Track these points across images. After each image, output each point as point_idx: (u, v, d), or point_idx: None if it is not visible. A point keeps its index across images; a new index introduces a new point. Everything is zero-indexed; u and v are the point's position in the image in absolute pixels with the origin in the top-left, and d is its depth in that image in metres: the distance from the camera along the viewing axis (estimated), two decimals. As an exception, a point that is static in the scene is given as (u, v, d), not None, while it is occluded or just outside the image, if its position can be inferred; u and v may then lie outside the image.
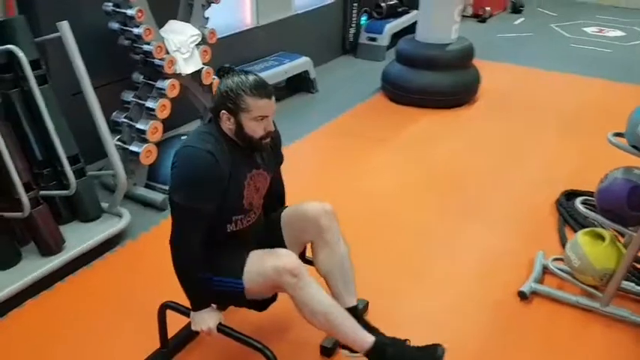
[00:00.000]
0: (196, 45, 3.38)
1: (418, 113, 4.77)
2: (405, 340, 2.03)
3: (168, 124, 3.89)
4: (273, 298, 2.15)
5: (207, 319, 2.01)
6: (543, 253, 2.86)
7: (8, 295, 2.49)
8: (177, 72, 3.27)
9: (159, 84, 3.23)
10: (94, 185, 3.03)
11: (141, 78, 3.30)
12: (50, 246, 2.72)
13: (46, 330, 2.43)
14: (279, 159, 2.22)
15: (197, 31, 3.38)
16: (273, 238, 2.16)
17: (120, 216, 3.02)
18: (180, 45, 3.26)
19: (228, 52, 4.57)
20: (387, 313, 2.48)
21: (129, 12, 3.05)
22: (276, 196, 2.30)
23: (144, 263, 2.85)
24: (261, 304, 2.13)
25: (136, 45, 3.18)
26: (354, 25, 6.20)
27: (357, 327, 2.00)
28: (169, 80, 3.23)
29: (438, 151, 4.12)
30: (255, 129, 1.91)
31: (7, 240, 2.67)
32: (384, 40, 6.13)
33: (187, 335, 2.29)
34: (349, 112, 4.80)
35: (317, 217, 2.12)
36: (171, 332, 2.23)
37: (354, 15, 6.15)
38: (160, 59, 3.16)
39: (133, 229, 3.06)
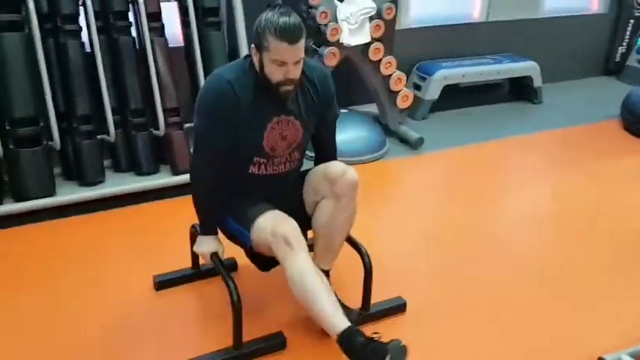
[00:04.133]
0: (369, 18, 3.39)
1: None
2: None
3: (351, 100, 4.03)
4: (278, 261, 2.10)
5: (205, 245, 2.10)
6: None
7: (130, 190, 2.99)
8: (341, 42, 3.34)
9: (320, 50, 3.36)
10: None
11: (311, 44, 3.47)
12: (177, 166, 3.11)
13: (143, 228, 2.83)
14: (327, 115, 2.10)
15: (372, 5, 3.38)
16: (294, 195, 2.11)
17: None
18: (350, 15, 3.31)
19: (443, 42, 4.46)
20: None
21: (303, -23, 3.25)
22: (325, 158, 2.21)
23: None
24: (265, 263, 2.11)
25: (309, 10, 3.36)
26: (625, 44, 5.33)
27: (334, 312, 1.86)
28: (330, 48, 3.34)
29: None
30: (273, 72, 1.85)
31: (150, 154, 3.15)
32: (662, 65, 5.14)
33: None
34: (558, 130, 4.20)
35: (334, 180, 2.00)
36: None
37: (627, 32, 5.28)
38: (323, 25, 3.27)
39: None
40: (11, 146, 2.76)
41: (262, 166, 2.04)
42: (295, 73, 1.87)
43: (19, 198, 2.79)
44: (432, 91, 4.19)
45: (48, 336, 2.11)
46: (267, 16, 1.81)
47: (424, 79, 4.22)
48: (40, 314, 2.22)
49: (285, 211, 2.04)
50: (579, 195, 3.30)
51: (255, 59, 1.90)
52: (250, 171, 2.05)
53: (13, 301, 2.29)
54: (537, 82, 4.60)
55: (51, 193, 2.87)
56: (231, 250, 2.21)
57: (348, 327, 1.82)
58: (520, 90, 4.72)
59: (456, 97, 4.43)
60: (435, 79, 4.18)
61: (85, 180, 2.98)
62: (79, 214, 2.88)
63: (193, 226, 2.30)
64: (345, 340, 1.80)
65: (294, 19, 1.80)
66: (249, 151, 2.01)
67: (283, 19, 1.79)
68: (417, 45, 4.36)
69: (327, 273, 2.04)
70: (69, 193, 2.91)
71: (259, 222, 1.95)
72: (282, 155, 2.05)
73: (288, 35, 1.78)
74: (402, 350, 1.75)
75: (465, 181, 3.50)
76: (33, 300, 2.30)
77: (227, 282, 1.98)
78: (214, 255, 2.09)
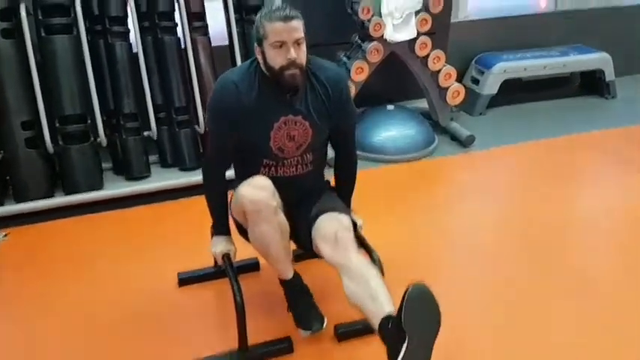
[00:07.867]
0: (416, 12, 3.28)
1: None
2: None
3: (399, 95, 3.93)
4: None
5: (217, 245, 2.15)
6: None
7: (173, 186, 3.10)
8: (384, 37, 3.26)
9: (364, 46, 3.30)
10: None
11: (356, 39, 3.42)
12: (217, 163, 3.19)
13: (183, 222, 2.90)
14: (342, 122, 2.06)
15: (419, -1, 3.27)
16: (310, 201, 2.09)
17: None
18: (395, 9, 3.21)
19: (508, 34, 4.25)
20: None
21: (347, -29, 3.19)
22: (342, 159, 2.20)
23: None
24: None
25: (353, 5, 3.30)
26: None
27: (286, 261, 2.03)
28: (373, 43, 3.26)
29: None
30: (274, 57, 1.85)
31: (193, 150, 3.24)
32: None
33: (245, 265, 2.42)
34: (630, 128, 3.88)
35: (324, 254, 1.96)
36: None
37: None
38: (366, 20, 3.21)
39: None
40: (61, 142, 2.93)
41: (272, 169, 2.05)
42: (298, 55, 1.87)
43: (69, 191, 2.97)
44: (491, 86, 4.01)
45: (69, 318, 2.25)
46: (263, 11, 1.90)
47: (482, 72, 4.05)
48: (72, 298, 2.37)
49: (298, 217, 2.06)
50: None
51: (260, 57, 1.92)
52: (260, 173, 2.05)
53: (54, 287, 2.44)
54: (609, 75, 4.28)
55: (98, 187, 3.03)
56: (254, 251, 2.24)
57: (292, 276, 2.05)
58: (591, 84, 4.42)
59: (518, 91, 4.23)
60: (493, 73, 3.99)
61: (131, 175, 3.12)
62: (126, 208, 3.01)
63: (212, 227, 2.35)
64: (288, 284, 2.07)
65: (286, 6, 1.86)
66: (257, 151, 2.02)
67: (276, 7, 1.87)
68: (479, 38, 4.19)
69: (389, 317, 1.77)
70: (115, 187, 3.06)
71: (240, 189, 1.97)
72: (293, 157, 2.04)
73: (281, 15, 1.82)
74: None
75: (516, 181, 3.34)
76: (70, 286, 2.45)
77: (232, 284, 2.00)
78: (225, 256, 2.13)
